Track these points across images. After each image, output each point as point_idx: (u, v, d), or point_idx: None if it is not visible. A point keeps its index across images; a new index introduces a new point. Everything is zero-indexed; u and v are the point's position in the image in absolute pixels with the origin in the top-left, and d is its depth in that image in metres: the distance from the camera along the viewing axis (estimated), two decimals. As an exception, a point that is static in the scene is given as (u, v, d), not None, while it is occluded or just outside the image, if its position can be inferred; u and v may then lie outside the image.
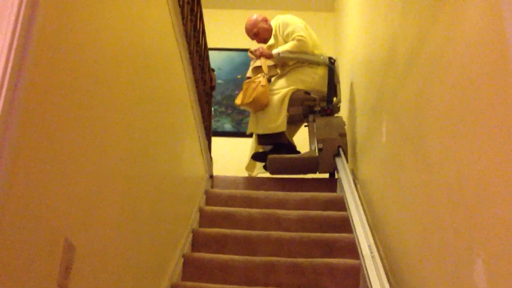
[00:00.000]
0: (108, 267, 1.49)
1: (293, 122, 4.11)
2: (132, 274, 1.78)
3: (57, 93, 1.10)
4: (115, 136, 1.54)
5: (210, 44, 3.95)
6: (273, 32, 4.17)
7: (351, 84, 4.00)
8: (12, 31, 0.91)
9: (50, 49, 1.05)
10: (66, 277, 1.13)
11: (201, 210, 3.26)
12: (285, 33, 4.05)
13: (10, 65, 0.90)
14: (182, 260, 2.66)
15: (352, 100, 3.93)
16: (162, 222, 2.32)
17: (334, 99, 4.04)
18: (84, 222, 1.27)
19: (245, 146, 4.44)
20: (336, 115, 4.06)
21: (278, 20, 4.17)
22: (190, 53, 2.98)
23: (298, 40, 3.96)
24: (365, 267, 2.39)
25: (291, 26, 4.05)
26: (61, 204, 1.12)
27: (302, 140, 4.68)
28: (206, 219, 3.22)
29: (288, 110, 3.91)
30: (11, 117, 0.89)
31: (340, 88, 4.16)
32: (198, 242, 2.94)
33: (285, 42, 4.04)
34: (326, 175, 3.98)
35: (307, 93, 3.97)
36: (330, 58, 4.09)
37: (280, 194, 3.50)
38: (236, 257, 2.69)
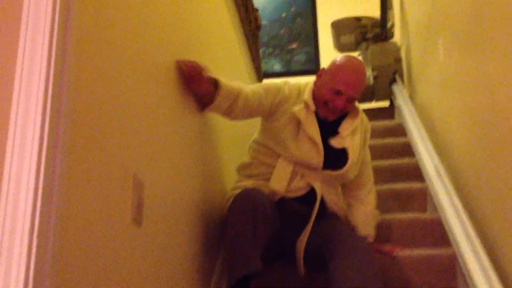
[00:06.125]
0: (177, 206, 1.52)
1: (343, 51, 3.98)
2: (199, 216, 1.79)
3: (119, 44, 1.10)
4: (173, 78, 1.54)
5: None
6: None
7: (402, 4, 3.82)
8: (52, 10, 0.89)
9: (94, 17, 1.05)
10: (140, 212, 1.17)
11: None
12: None
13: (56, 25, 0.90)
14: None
15: (404, 22, 3.77)
16: (225, 170, 2.33)
17: (388, 23, 3.88)
18: (151, 159, 1.29)
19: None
20: (390, 40, 3.91)
21: None
22: (233, -9, 2.91)
23: None
24: (433, 186, 2.35)
25: None
26: (128, 141, 1.14)
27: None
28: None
29: (339, 39, 3.78)
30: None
31: (393, 12, 3.99)
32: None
33: None
34: (382, 104, 3.89)
35: (357, 19, 3.82)
36: None
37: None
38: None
